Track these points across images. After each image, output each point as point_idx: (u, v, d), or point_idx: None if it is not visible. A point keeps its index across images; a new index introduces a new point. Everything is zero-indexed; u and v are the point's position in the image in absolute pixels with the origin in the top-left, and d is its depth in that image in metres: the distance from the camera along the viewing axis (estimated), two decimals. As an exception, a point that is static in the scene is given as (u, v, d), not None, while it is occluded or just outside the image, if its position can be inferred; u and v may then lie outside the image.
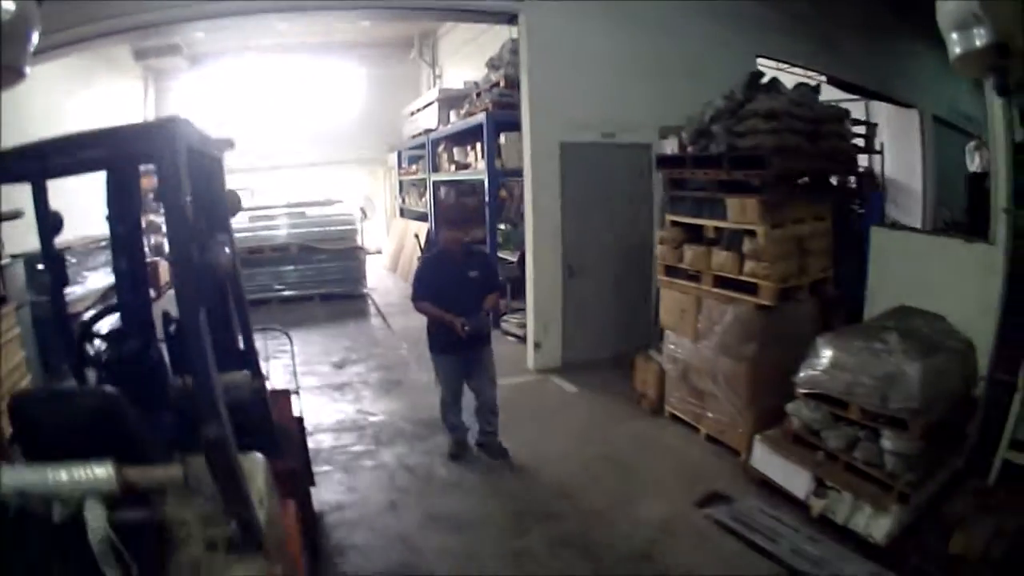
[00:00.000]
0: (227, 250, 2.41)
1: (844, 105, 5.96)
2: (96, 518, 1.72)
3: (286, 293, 10.75)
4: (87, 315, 3.08)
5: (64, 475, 1.76)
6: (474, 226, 7.93)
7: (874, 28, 8.86)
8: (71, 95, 9.59)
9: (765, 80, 5.05)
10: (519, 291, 7.65)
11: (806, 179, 5.10)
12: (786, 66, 9.36)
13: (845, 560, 3.57)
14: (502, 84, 8.03)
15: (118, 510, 1.78)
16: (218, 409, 1.91)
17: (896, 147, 9.66)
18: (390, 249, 14.15)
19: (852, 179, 6.07)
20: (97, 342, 2.89)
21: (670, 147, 5.23)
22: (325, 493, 4.37)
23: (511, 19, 6.70)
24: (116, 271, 3.15)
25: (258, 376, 3.24)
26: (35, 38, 3.17)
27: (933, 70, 8.68)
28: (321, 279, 10.91)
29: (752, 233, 4.47)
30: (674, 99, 6.02)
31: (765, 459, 4.31)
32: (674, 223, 5.17)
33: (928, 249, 5.11)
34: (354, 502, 4.32)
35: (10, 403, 2.04)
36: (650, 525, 3.92)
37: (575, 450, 4.98)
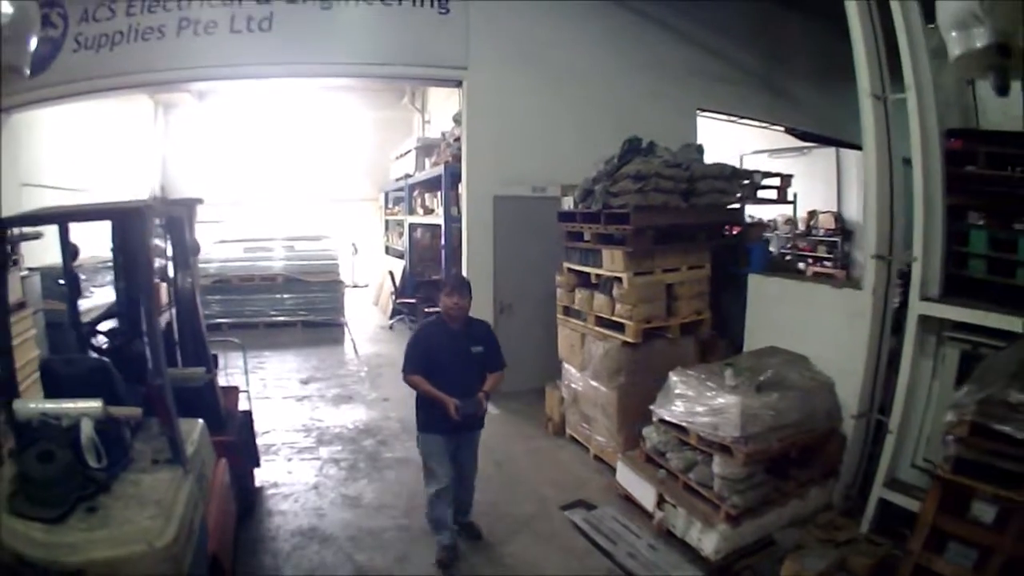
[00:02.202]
0: (190, 280, 3.90)
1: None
2: (87, 428, 3.09)
3: (273, 319, 12.31)
4: (94, 317, 4.55)
5: (71, 404, 3.15)
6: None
7: (830, 76, 9.66)
8: (84, 120, 11.06)
9: (645, 144, 6.33)
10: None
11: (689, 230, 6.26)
12: (732, 118, 10.72)
13: (677, 568, 4.40)
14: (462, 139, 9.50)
15: (100, 427, 3.17)
16: (163, 371, 3.32)
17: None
18: (376, 284, 15.68)
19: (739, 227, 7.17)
20: (101, 337, 4.37)
21: (567, 204, 6.55)
22: (268, 474, 5.79)
23: (458, 84, 8.21)
24: (116, 288, 4.64)
25: (209, 372, 4.68)
26: (35, 39, 3.34)
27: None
28: (305, 308, 12.46)
29: (620, 280, 5.79)
30: (608, 152, 6.55)
31: (625, 475, 5.34)
32: (569, 269, 6.53)
33: (801, 294, 5.77)
34: (288, 483, 5.71)
35: (41, 363, 3.47)
36: (517, 521, 5.05)
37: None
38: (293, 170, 16.94)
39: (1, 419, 3.14)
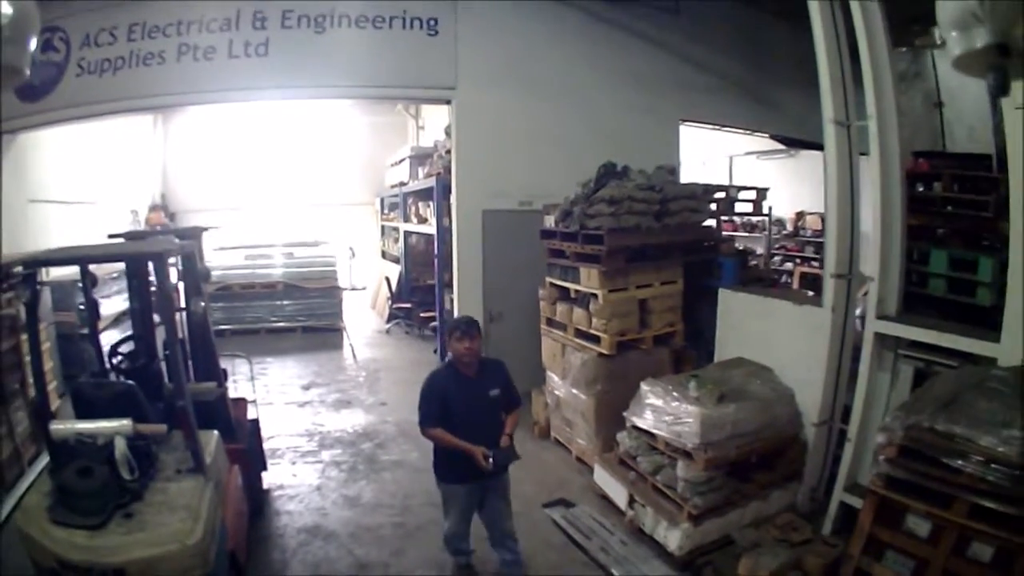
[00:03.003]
0: (202, 304, 4.43)
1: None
2: (120, 445, 3.62)
3: (274, 324, 12.87)
4: (115, 340, 5.08)
5: (104, 424, 3.68)
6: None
7: (815, 81, 9.99)
8: (86, 133, 11.30)
9: (620, 168, 6.86)
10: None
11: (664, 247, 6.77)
12: (715, 127, 11.11)
13: (645, 562, 4.90)
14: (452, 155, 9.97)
15: (130, 443, 3.69)
16: (186, 394, 3.85)
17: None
18: (373, 288, 16.21)
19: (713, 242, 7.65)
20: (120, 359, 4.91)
21: (549, 222, 7.06)
22: (275, 477, 6.35)
23: (448, 102, 8.72)
24: (131, 313, 5.17)
25: (221, 386, 5.22)
26: (35, 39, 3.34)
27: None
28: (304, 313, 13.03)
29: (596, 295, 6.32)
30: (591, 167, 7.09)
31: (602, 476, 5.89)
32: (551, 284, 7.05)
33: (765, 309, 6.14)
34: (293, 485, 6.27)
35: (73, 387, 4.00)
36: None
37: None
38: (290, 175, 17.39)
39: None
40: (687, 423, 5.00)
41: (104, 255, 4.56)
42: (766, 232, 14.51)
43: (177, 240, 5.31)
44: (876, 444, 3.81)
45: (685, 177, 10.75)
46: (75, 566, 3.33)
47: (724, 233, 10.49)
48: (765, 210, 9.65)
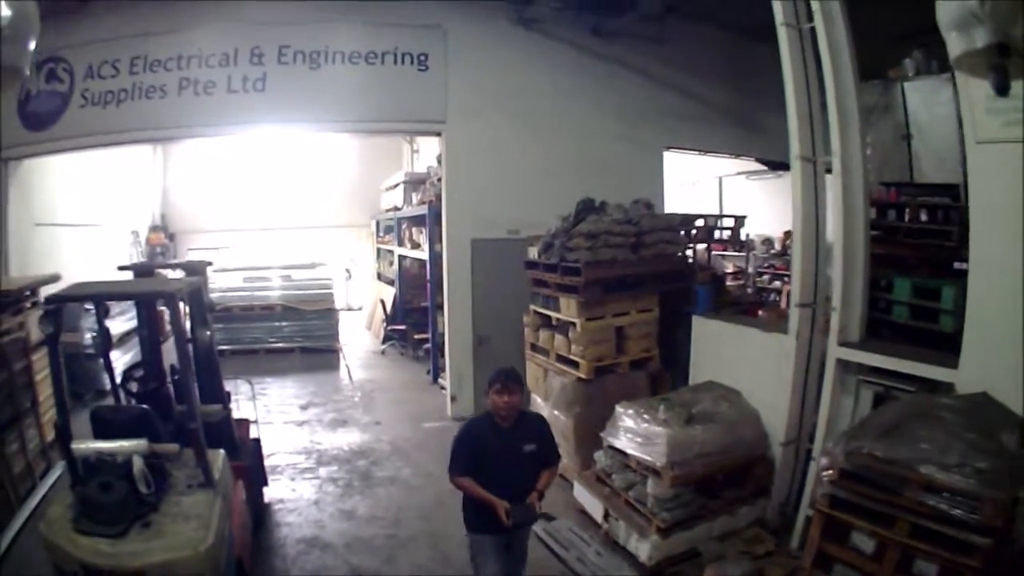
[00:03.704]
0: (208, 333, 4.93)
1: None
2: (138, 462, 4.08)
3: (272, 345, 13.38)
4: (126, 365, 5.56)
5: (123, 444, 4.15)
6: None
7: None
8: (90, 158, 11.61)
9: (598, 203, 7.33)
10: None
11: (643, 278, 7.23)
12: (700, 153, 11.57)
13: (618, 571, 5.27)
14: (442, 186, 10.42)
15: (147, 461, 4.16)
16: (197, 417, 4.33)
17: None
18: (368, 308, 16.73)
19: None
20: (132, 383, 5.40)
21: (533, 253, 7.53)
22: (275, 492, 6.80)
23: (438, 134, 9.26)
24: (140, 341, 5.65)
25: (226, 408, 5.69)
26: (34, 40, 3.36)
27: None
28: (302, 334, 13.53)
29: (574, 323, 6.79)
30: (576, 195, 7.52)
31: (580, 492, 6.26)
32: (535, 311, 7.52)
33: (735, 335, 6.51)
34: (292, 499, 6.73)
35: (92, 411, 4.48)
36: None
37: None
38: (287, 197, 17.99)
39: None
40: (656, 443, 5.41)
41: (122, 293, 5.05)
42: (754, 252, 14.97)
43: (184, 274, 5.81)
44: (820, 466, 4.11)
45: (674, 199, 11.29)
46: (99, 570, 3.79)
47: (714, 253, 11.07)
48: (743, 236, 10.10)
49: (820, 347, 5.65)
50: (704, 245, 9.38)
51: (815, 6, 5.42)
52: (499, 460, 4.12)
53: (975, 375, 4.38)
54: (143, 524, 3.91)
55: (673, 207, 13.12)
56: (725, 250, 14.73)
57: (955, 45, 3.00)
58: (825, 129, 5.51)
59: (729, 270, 12.21)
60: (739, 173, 15.49)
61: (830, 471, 3.98)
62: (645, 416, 5.68)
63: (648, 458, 5.48)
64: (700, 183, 16.17)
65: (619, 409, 5.99)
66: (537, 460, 4.24)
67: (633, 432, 5.70)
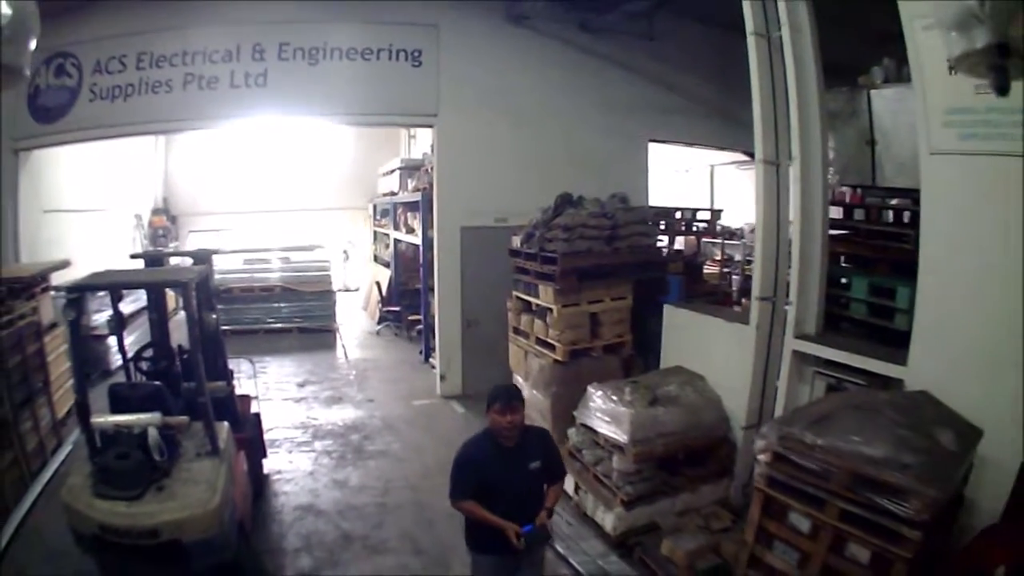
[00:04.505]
0: (214, 316, 5.48)
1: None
2: (152, 433, 4.63)
3: (271, 326, 13.94)
4: (138, 347, 6.11)
5: (139, 417, 4.70)
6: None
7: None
8: (95, 145, 11.97)
9: (575, 198, 7.86)
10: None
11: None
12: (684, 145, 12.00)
13: (585, 540, 5.79)
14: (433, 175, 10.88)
15: (160, 432, 4.71)
16: (205, 392, 4.89)
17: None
18: (365, 289, 17.29)
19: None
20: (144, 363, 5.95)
21: (516, 242, 8.01)
22: (273, 464, 7.39)
23: (430, 125, 9.75)
24: (151, 323, 6.18)
25: (229, 385, 6.25)
26: (34, 40, 3.36)
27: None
28: (300, 315, 14.10)
29: (551, 309, 7.34)
30: (562, 185, 8.09)
31: None
32: (517, 297, 8.06)
33: (701, 324, 6.88)
34: (290, 470, 7.33)
35: (109, 388, 5.03)
36: None
37: (442, 449, 7.73)
38: (287, 180, 18.47)
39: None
40: (621, 422, 5.85)
41: (139, 282, 5.59)
42: (743, 241, 15.46)
43: (192, 261, 6.34)
44: (756, 448, 4.31)
45: (668, 187, 11.51)
46: (117, 530, 4.35)
47: (704, 241, 11.57)
48: (733, 227, 10.59)
49: (780, 338, 5.97)
50: (693, 236, 9.92)
51: (783, 17, 5.73)
52: (505, 482, 3.92)
53: (923, 373, 4.64)
54: (157, 488, 4.46)
55: (665, 194, 13.70)
56: (714, 238, 15.30)
57: (955, 45, 2.98)
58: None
59: (718, 258, 12.64)
60: (731, 162, 15.94)
61: (765, 453, 4.20)
62: (613, 397, 6.16)
63: (614, 435, 5.93)
64: (693, 171, 16.64)
65: (590, 390, 6.45)
66: (543, 477, 4.09)
67: (602, 411, 6.18)
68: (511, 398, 3.99)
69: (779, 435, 4.12)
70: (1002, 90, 2.99)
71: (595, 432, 6.26)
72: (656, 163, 14.83)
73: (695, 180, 16.77)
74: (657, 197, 14.32)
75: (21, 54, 3.29)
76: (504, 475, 3.93)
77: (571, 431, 6.70)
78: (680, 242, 10.99)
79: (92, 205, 12.66)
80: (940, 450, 3.77)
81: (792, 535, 4.08)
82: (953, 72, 4.11)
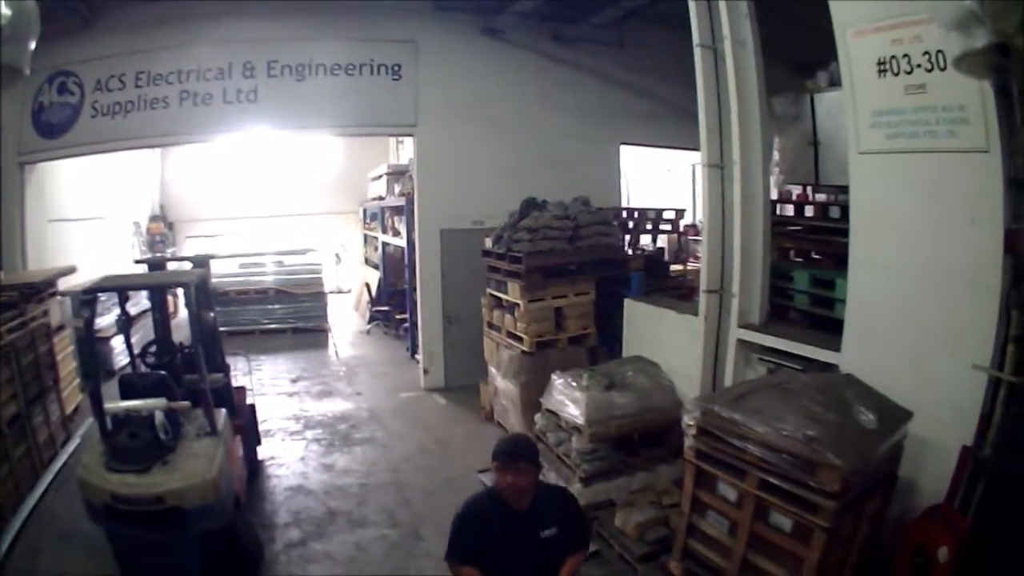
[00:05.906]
0: (211, 315, 6.25)
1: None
2: (159, 416, 5.35)
3: (266, 326, 14.71)
4: (144, 343, 6.86)
5: (147, 402, 5.44)
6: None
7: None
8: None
9: (540, 201, 8.58)
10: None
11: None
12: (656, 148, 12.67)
13: None
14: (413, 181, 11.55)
15: (166, 415, 5.45)
16: (206, 380, 5.64)
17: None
18: (356, 290, 18.06)
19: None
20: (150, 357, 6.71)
21: (488, 244, 8.75)
22: (267, 451, 8.12)
23: (411, 135, 10.49)
24: (154, 321, 6.93)
25: (226, 376, 7.00)
26: (34, 40, 3.39)
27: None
28: (294, 316, 14.89)
29: (519, 304, 8.09)
30: (537, 189, 8.81)
31: None
32: (490, 294, 8.82)
33: (657, 316, 7.47)
34: (282, 455, 8.07)
35: (120, 378, 5.78)
36: (442, 479, 7.30)
37: (423, 436, 8.63)
38: (280, 187, 19.18)
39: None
40: (577, 406, 6.48)
41: (146, 284, 6.35)
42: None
43: (191, 265, 7.09)
44: (683, 423, 4.70)
45: (650, 185, 11.92)
46: (127, 498, 5.08)
47: (690, 238, 12.28)
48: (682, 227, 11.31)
49: (728, 328, 6.43)
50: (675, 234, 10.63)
51: (726, 31, 6.19)
52: (509, 551, 3.36)
53: (855, 359, 5.02)
54: (163, 462, 5.19)
55: (651, 194, 14.34)
56: (697, 235, 16.03)
57: (955, 45, 2.97)
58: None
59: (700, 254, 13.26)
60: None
61: (690, 427, 4.62)
62: (572, 383, 6.84)
63: (573, 417, 6.63)
64: (675, 170, 17.34)
65: (553, 377, 7.14)
66: (560, 546, 3.43)
67: (563, 396, 6.85)
68: (515, 455, 3.38)
69: (702, 411, 4.55)
70: (1002, 90, 3.10)
71: (558, 416, 6.90)
72: (642, 164, 15.72)
73: (677, 179, 17.44)
74: (640, 197, 15.21)
75: (21, 54, 3.32)
76: (509, 545, 3.36)
77: (537, 416, 7.38)
78: (662, 240, 11.74)
79: (93, 214, 13.33)
80: (853, 425, 4.04)
81: (722, 504, 4.45)
82: (881, 75, 4.63)
